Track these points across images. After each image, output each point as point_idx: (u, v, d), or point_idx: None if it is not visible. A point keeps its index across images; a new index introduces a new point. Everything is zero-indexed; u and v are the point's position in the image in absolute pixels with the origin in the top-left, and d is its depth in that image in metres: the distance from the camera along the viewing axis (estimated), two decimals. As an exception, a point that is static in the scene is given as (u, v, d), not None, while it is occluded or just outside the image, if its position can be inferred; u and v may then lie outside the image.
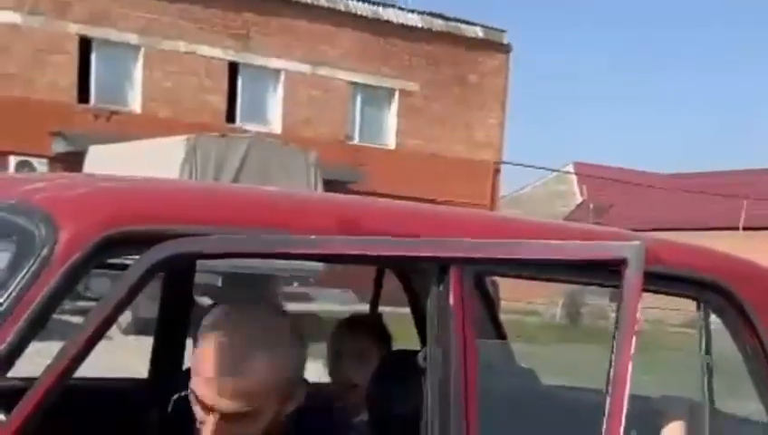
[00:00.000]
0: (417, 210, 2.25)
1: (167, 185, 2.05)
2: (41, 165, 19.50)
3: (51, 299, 1.60)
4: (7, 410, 1.66)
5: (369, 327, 2.89)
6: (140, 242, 1.68)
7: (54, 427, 2.17)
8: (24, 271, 1.60)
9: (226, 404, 1.71)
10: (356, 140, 24.95)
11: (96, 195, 1.78)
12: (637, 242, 1.89)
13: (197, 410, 1.76)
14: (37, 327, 1.60)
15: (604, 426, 1.80)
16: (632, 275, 1.83)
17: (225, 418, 1.72)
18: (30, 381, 2.76)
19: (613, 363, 1.81)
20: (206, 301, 3.54)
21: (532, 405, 2.61)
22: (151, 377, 3.33)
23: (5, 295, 1.59)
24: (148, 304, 14.24)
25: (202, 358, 1.74)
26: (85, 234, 1.63)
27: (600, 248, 1.94)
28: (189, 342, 3.15)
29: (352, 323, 2.94)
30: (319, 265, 13.41)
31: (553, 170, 37.83)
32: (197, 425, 1.77)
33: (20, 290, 1.59)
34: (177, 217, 1.73)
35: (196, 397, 1.75)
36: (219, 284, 12.27)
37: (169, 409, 2.07)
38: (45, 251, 1.61)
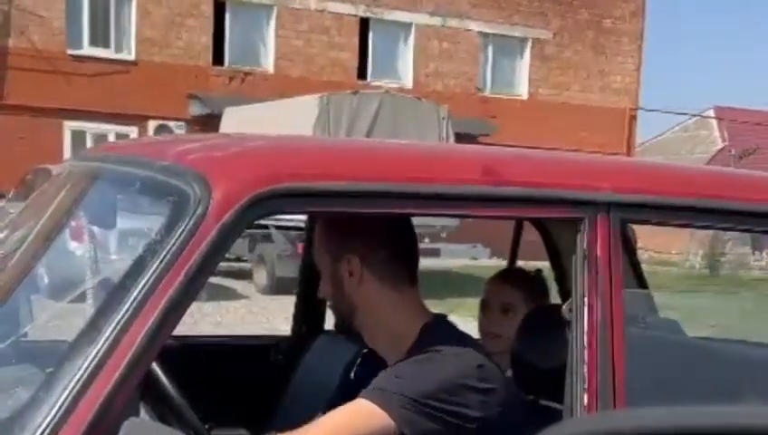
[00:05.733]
0: (559, 158, 2.24)
1: (314, 143, 2.09)
2: (178, 128, 20.00)
3: (207, 257, 1.65)
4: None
5: (523, 280, 2.89)
6: (291, 199, 1.72)
7: (197, 384, 2.26)
8: (181, 229, 1.66)
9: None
10: (487, 92, 24.71)
11: (247, 154, 1.83)
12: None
13: None
14: (196, 285, 1.65)
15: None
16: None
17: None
18: (183, 339, 2.88)
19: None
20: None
21: (677, 357, 2.57)
22: (294, 335, 3.39)
23: (163, 254, 1.64)
24: (285, 264, 14.65)
25: None
26: (237, 192, 1.68)
27: None
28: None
29: (509, 275, 2.95)
30: (454, 220, 13.41)
31: (693, 115, 36.68)
32: None
33: (177, 248, 1.64)
34: (325, 175, 1.76)
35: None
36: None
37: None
38: (200, 210, 1.66)
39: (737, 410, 1.54)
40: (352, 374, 2.27)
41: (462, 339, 2.02)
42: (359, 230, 2.05)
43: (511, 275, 2.95)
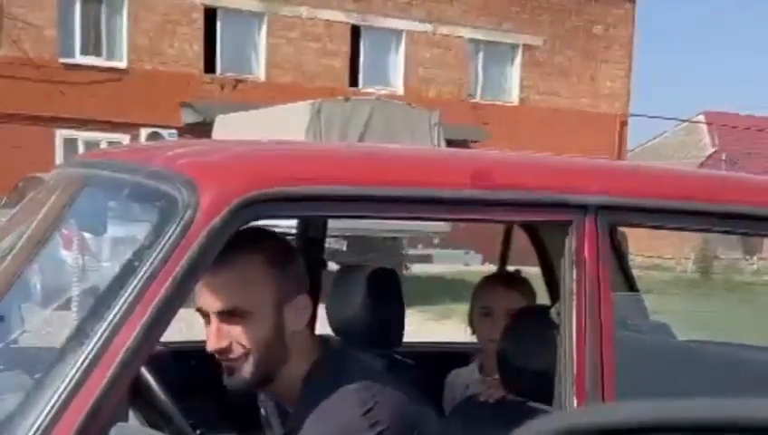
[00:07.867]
0: (547, 161, 2.24)
1: (303, 147, 2.09)
2: (171, 136, 19.97)
3: (196, 261, 1.64)
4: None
5: (523, 284, 2.90)
6: (280, 203, 1.72)
7: (187, 389, 2.25)
8: (169, 234, 1.65)
9: (218, 302, 1.82)
10: (478, 98, 24.76)
11: (235, 158, 1.83)
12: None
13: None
14: (185, 289, 1.64)
15: None
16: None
17: (222, 318, 1.83)
18: (172, 345, 2.87)
19: None
20: (333, 266, 3.58)
21: (668, 360, 2.57)
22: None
23: (152, 259, 1.64)
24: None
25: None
26: (226, 196, 1.67)
27: None
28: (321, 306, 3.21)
29: (511, 281, 2.95)
30: (445, 226, 13.41)
31: (683, 120, 36.80)
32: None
33: (166, 253, 1.63)
34: (315, 179, 1.76)
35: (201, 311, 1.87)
36: (345, 248, 12.41)
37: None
38: (188, 214, 1.66)
39: (718, 404, 1.53)
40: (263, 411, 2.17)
41: (344, 381, 1.84)
42: (295, 259, 1.96)
43: (513, 281, 2.94)
